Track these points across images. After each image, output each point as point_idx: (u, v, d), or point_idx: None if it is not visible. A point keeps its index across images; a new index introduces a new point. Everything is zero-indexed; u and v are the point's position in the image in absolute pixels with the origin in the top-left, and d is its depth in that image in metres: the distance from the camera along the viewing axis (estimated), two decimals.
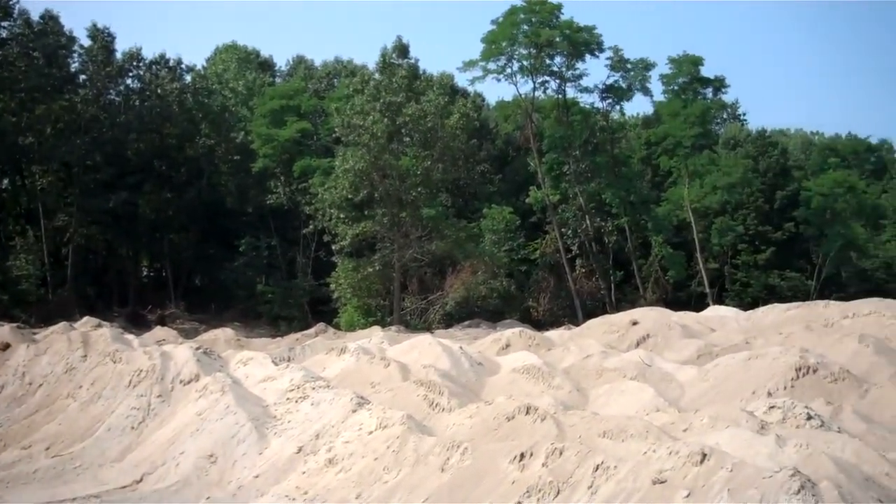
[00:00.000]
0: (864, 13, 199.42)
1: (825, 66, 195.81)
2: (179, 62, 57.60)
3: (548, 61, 55.30)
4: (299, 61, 73.13)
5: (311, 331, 38.55)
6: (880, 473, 10.33)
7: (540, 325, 47.02)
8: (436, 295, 48.03)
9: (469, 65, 54.56)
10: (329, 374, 21.31)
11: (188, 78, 58.95)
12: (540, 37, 53.10)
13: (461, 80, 66.02)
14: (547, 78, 56.48)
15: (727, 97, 72.33)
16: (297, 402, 16.83)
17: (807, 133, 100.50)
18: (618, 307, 50.03)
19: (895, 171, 71.82)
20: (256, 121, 56.11)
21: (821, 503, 8.50)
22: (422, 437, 13.71)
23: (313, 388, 17.24)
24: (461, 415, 15.90)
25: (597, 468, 11.04)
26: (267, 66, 73.53)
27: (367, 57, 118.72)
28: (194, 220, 56.62)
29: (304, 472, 14.10)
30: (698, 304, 50.77)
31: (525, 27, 53.80)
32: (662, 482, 10.05)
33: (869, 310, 27.89)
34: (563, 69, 56.12)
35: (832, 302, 32.57)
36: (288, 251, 55.62)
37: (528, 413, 14.57)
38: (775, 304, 34.88)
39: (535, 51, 54.08)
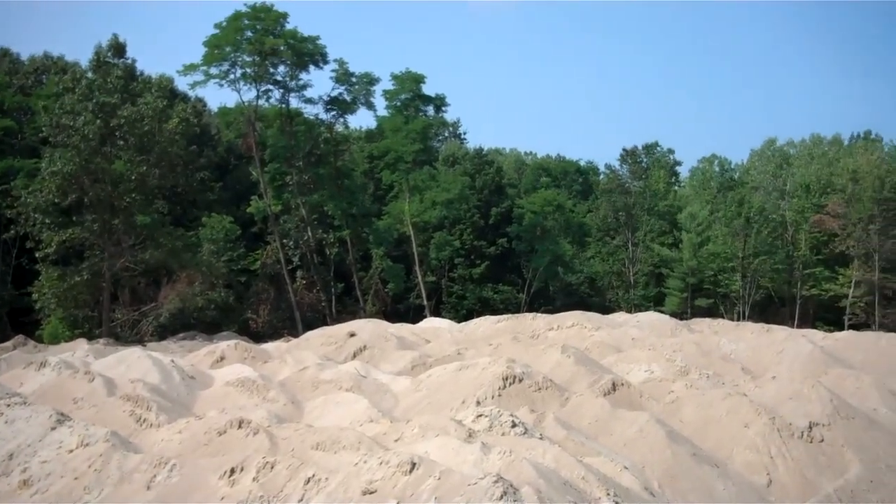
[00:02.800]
0: (565, 39, 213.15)
1: (537, 89, 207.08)
2: None
3: (272, 69, 54.56)
4: (3, 54, 68.01)
5: (9, 343, 36.09)
6: (577, 477, 10.85)
7: (259, 337, 46.32)
8: (149, 306, 45.97)
9: (190, 68, 52.84)
10: (27, 389, 19.90)
11: None
12: (264, 44, 52.32)
13: (181, 84, 64.04)
14: (271, 86, 55.74)
15: (448, 116, 74.69)
16: None
17: (521, 153, 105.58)
18: (338, 319, 50.11)
19: (599, 191, 76.61)
20: None
21: None
22: (127, 454, 13.06)
23: (7, 405, 15.98)
24: (170, 430, 15.36)
25: (308, 481, 10.96)
26: None
27: (80, 54, 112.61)
28: None
29: None
30: (417, 316, 51.85)
31: (249, 33, 52.85)
32: (373, 492, 10.08)
33: (572, 322, 29.63)
34: (288, 79, 55.67)
35: (539, 314, 34.30)
36: None
37: (240, 427, 14.27)
38: (487, 317, 36.22)
39: (259, 58, 53.15)
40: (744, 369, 22.51)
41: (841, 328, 50.08)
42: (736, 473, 13.93)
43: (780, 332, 28.98)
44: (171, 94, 55.43)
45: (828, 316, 62.99)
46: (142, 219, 44.89)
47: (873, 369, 23.18)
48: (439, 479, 9.71)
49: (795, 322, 58.81)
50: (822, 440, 14.97)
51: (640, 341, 26.93)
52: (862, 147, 75.84)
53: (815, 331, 33.60)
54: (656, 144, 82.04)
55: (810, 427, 15.08)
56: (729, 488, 13.18)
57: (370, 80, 58.91)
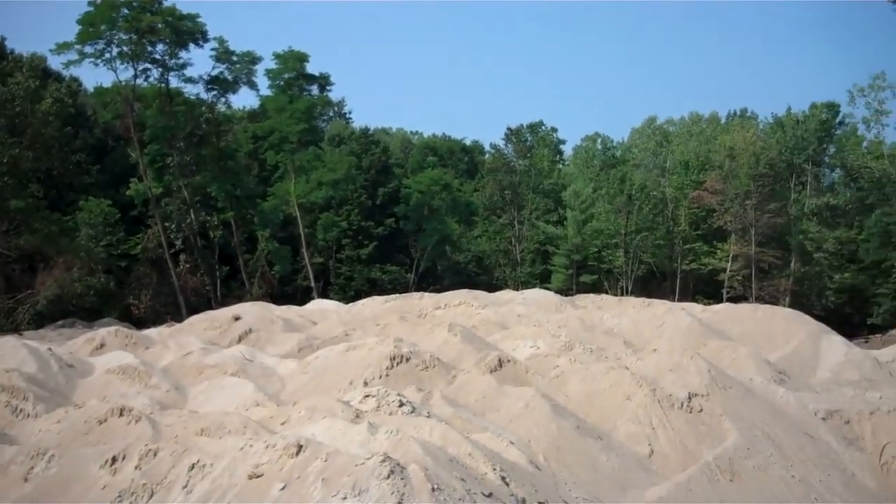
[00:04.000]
0: (449, 17, 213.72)
1: (422, 68, 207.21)
2: None
3: (150, 48, 53.06)
4: None
5: None
6: (464, 454, 10.91)
7: (142, 323, 45.28)
8: (25, 294, 44.35)
9: (63, 47, 50.88)
10: None
11: None
12: (141, 22, 50.80)
13: (55, 63, 61.63)
14: (149, 65, 54.24)
15: (333, 95, 74.05)
16: None
17: (407, 133, 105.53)
18: (224, 303, 49.31)
19: (485, 170, 77.16)
20: None
21: (409, 485, 8.77)
22: (2, 446, 12.60)
23: None
24: (48, 420, 14.90)
25: (192, 467, 10.77)
26: None
27: None
28: None
29: None
30: (304, 298, 51.42)
31: (125, 10, 51.18)
32: (259, 476, 9.96)
33: (459, 301, 29.83)
34: (167, 57, 54.28)
35: (426, 294, 34.47)
36: None
37: (121, 415, 13.93)
38: (375, 297, 36.19)
39: (135, 36, 51.58)
40: (626, 343, 23.04)
41: (719, 301, 51.62)
42: (619, 444, 14.24)
43: (660, 305, 29.73)
44: (43, 74, 53.47)
45: (707, 289, 64.93)
46: (15, 203, 43.29)
47: (749, 340, 24.02)
48: (326, 460, 9.64)
49: (676, 296, 60.44)
50: (701, 410, 15.40)
51: (525, 318, 27.29)
52: (738, 125, 78.10)
53: (694, 304, 34.55)
54: (540, 123, 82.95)
55: (689, 398, 15.49)
56: (612, 459, 13.46)
57: (252, 59, 58.02)
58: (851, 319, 61.50)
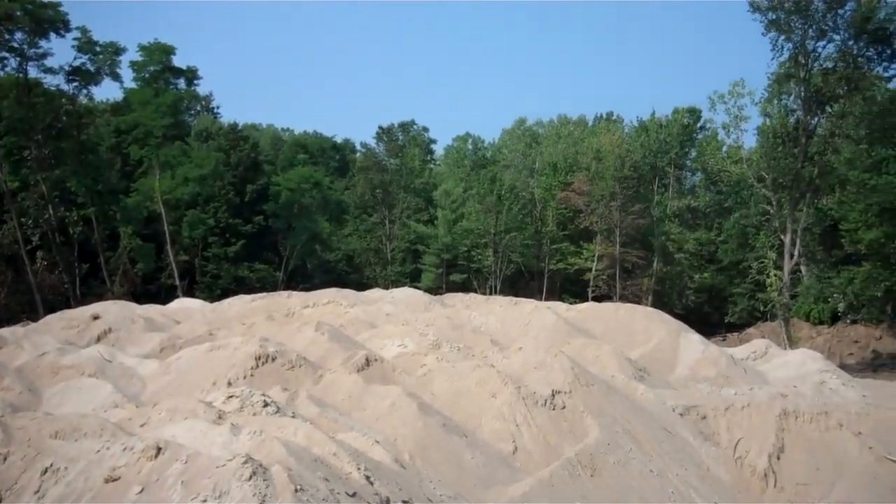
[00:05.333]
0: (320, 14, 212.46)
1: (292, 64, 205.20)
2: None
3: (7, 36, 50.95)
4: None
5: None
6: (328, 454, 10.83)
7: None
8: None
9: None
10: None
11: None
12: None
13: None
14: (6, 54, 52.02)
15: (200, 89, 72.65)
16: None
17: (277, 129, 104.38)
18: (83, 301, 47.63)
19: (356, 169, 77.03)
20: None
21: (271, 487, 8.66)
22: None
23: None
24: None
25: (45, 471, 10.38)
26: None
27: None
28: None
29: None
30: (168, 297, 50.22)
31: None
32: (116, 479, 9.68)
33: (327, 299, 29.64)
34: (25, 46, 52.16)
35: (294, 292, 34.08)
36: None
37: None
38: (241, 296, 35.59)
39: None
40: (493, 341, 23.26)
41: (585, 300, 52.76)
42: (484, 442, 14.37)
43: (527, 304, 30.13)
44: None
45: (573, 288, 66.40)
46: None
47: (612, 339, 24.60)
48: (186, 462, 9.43)
49: (543, 295, 61.62)
50: (564, 407, 15.69)
51: (394, 317, 27.28)
52: (604, 127, 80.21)
53: (559, 303, 35.16)
54: (412, 122, 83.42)
55: (553, 395, 15.75)
56: (477, 457, 13.58)
57: (116, 50, 56.28)
58: (710, 318, 63.91)
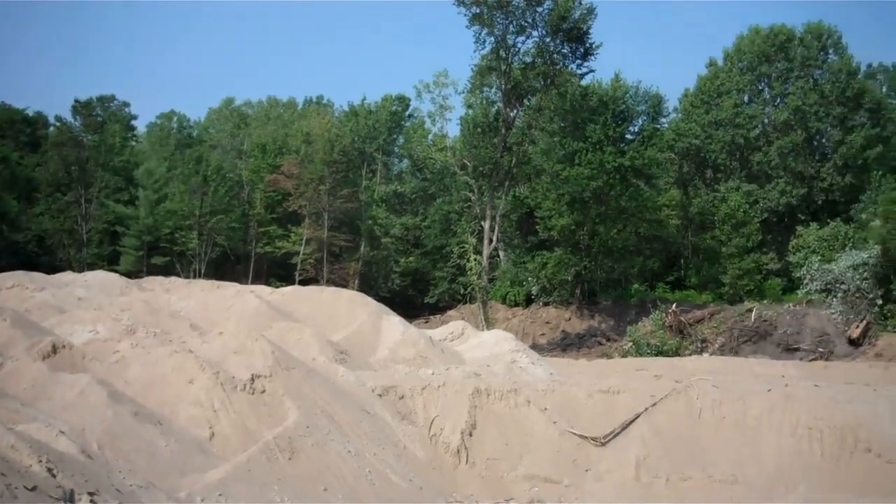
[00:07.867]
0: None
1: None
2: None
3: None
4: None
5: None
6: (6, 446, 10.16)
7: None
8: None
9: None
10: None
11: None
12: None
13: None
14: None
15: None
16: None
17: None
18: None
19: (49, 144, 72.20)
20: None
21: None
22: None
23: None
24: None
25: None
26: None
27: None
28: None
29: None
30: None
31: None
32: None
33: (12, 283, 27.81)
34: None
35: None
36: None
37: None
38: None
39: None
40: (192, 326, 22.75)
41: (293, 284, 52.75)
42: (179, 429, 14.03)
43: (230, 288, 29.78)
44: None
45: (280, 272, 66.14)
46: None
47: (315, 321, 24.84)
48: None
49: (250, 279, 60.92)
50: (264, 391, 15.63)
51: (86, 301, 26.02)
52: (315, 111, 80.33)
53: (264, 287, 35.00)
54: (112, 97, 79.50)
55: (252, 379, 15.65)
56: (171, 444, 13.23)
57: None
58: (415, 301, 65.96)
